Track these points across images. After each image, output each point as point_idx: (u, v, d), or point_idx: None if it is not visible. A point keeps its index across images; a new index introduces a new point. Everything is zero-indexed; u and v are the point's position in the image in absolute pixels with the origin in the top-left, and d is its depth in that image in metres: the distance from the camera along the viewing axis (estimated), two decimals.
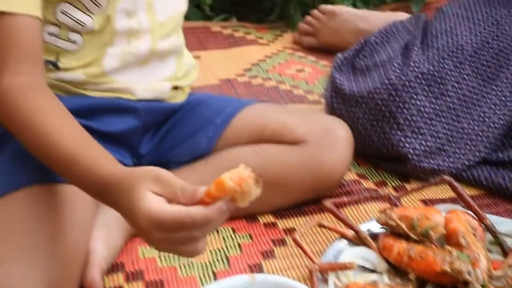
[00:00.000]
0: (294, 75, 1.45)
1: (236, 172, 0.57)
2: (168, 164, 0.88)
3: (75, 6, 0.79)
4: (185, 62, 0.96)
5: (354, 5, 1.75)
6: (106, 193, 0.63)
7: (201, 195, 0.58)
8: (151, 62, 0.89)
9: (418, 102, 1.04)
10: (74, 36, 0.82)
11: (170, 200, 0.58)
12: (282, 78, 1.43)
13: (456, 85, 1.06)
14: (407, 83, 1.05)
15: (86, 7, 0.80)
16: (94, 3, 0.80)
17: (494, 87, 1.08)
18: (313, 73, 1.46)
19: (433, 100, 1.05)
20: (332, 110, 1.12)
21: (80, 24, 0.80)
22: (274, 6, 1.74)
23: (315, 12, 1.59)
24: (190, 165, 0.93)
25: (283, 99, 1.33)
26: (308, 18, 1.60)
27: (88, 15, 0.80)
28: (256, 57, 1.54)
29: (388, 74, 1.06)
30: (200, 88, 1.23)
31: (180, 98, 0.96)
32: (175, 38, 0.92)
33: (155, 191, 0.58)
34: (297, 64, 1.51)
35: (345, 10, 1.57)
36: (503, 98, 1.07)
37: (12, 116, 0.69)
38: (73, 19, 0.80)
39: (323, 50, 1.56)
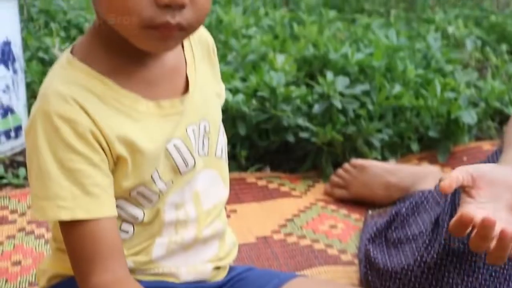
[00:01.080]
0: (328, 232, 1.46)
1: None
2: None
3: (129, 202, 0.84)
4: (227, 242, 0.98)
5: (382, 154, 1.79)
6: None
7: None
8: (195, 247, 0.91)
9: (450, 280, 1.05)
10: (127, 227, 0.85)
11: None
12: (316, 236, 1.44)
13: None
14: (439, 261, 1.06)
15: (139, 202, 0.84)
16: (146, 199, 0.84)
17: None
18: (346, 229, 1.47)
19: (465, 278, 1.05)
20: (367, 283, 1.14)
21: (133, 217, 0.84)
22: (306, 156, 1.78)
23: (346, 166, 1.64)
24: None
25: (317, 259, 1.34)
26: (340, 171, 1.64)
27: (140, 209, 0.84)
28: (290, 211, 1.56)
29: (420, 251, 1.08)
30: (238, 247, 1.25)
31: (221, 276, 0.97)
32: (218, 223, 0.94)
33: None
34: (329, 219, 1.52)
35: (374, 164, 1.61)
36: None
37: None
38: (126, 212, 0.84)
39: (354, 202, 1.59)
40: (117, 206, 0.82)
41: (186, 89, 0.85)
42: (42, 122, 0.76)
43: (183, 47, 0.87)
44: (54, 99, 0.75)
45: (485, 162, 1.27)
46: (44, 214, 0.77)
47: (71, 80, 0.78)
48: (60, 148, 0.75)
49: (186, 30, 0.76)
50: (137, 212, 0.84)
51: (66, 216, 0.76)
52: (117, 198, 0.82)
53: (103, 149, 0.77)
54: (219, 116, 0.93)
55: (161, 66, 0.83)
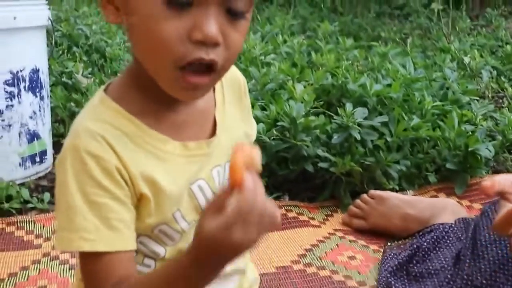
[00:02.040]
0: (346, 263, 1.45)
1: (232, 156, 0.67)
2: None
3: (151, 239, 0.84)
4: (249, 278, 0.98)
5: (400, 185, 1.79)
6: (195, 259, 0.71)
7: (228, 189, 0.67)
8: (217, 282, 0.86)
9: None
10: (149, 262, 0.85)
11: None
12: (335, 267, 1.43)
13: None
14: None
15: (161, 240, 0.84)
16: (168, 237, 0.84)
17: None
18: (364, 261, 1.46)
19: None
20: None
21: (155, 253, 0.85)
22: (325, 185, 1.79)
23: (364, 196, 1.64)
24: None
25: None
26: (358, 202, 1.65)
27: (162, 247, 0.84)
28: (309, 241, 1.55)
29: (442, 286, 1.09)
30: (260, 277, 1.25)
31: None
32: (239, 260, 0.89)
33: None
34: (348, 250, 1.51)
35: (393, 196, 1.62)
36: None
37: None
38: (148, 249, 0.84)
39: (372, 233, 1.59)
40: (140, 242, 0.83)
41: (213, 131, 0.86)
42: (71, 157, 0.77)
43: (213, 88, 0.88)
44: (83, 135, 0.77)
45: None
46: (68, 245, 0.78)
47: (101, 118, 0.79)
48: (86, 182, 0.76)
49: (217, 71, 0.76)
50: (159, 249, 0.84)
51: (88, 247, 0.77)
52: (140, 234, 0.82)
53: (127, 186, 0.78)
54: None
55: (191, 110, 0.83)
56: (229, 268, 0.88)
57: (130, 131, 0.80)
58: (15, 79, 1.78)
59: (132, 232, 0.80)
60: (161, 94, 0.79)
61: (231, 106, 0.90)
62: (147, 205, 0.80)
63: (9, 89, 1.77)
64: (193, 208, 0.83)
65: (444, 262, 1.15)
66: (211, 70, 0.76)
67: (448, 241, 1.23)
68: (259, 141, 1.73)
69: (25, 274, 1.38)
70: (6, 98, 1.77)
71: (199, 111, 0.85)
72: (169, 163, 0.81)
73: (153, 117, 0.82)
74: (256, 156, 0.70)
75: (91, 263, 0.79)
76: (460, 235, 1.23)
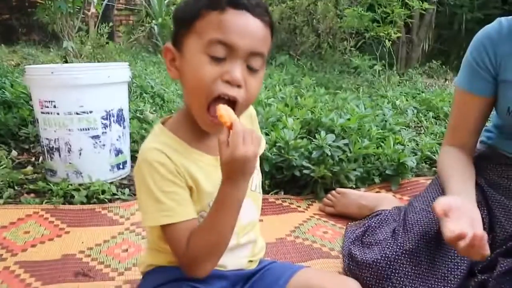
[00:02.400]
0: (322, 236, 1.45)
1: (218, 110, 0.72)
2: None
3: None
4: (258, 245, 0.97)
5: (356, 185, 1.79)
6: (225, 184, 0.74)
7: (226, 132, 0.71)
8: (236, 249, 0.89)
9: (404, 269, 1.05)
10: None
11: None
12: (314, 238, 1.43)
13: (428, 255, 1.06)
14: (396, 256, 1.07)
15: None
16: None
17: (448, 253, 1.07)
18: (333, 235, 1.46)
19: (413, 267, 1.05)
20: (349, 271, 1.14)
21: None
22: (307, 185, 1.79)
23: (332, 192, 1.64)
24: None
25: (315, 254, 1.32)
26: (328, 196, 1.65)
27: None
28: (297, 221, 1.55)
29: (384, 250, 1.09)
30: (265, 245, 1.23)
31: (253, 266, 0.95)
32: (251, 234, 0.92)
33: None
34: (322, 227, 1.51)
35: (351, 192, 1.61)
36: (456, 262, 1.05)
37: None
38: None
39: (338, 216, 1.59)
40: (201, 215, 0.81)
41: None
42: (146, 166, 0.78)
43: None
44: (151, 151, 0.78)
45: (425, 190, 1.27)
46: (154, 222, 0.78)
47: (161, 141, 0.81)
48: (158, 179, 0.77)
49: (238, 109, 0.76)
50: None
51: (169, 220, 0.77)
52: (199, 211, 0.81)
53: (183, 179, 0.79)
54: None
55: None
56: (244, 240, 0.90)
57: (180, 149, 0.80)
58: (107, 115, 1.80)
59: (193, 206, 0.79)
60: (200, 127, 0.80)
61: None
62: (193, 195, 0.81)
63: (104, 121, 1.79)
64: None
65: (385, 235, 1.15)
66: (234, 109, 0.76)
67: (388, 221, 1.23)
68: (264, 156, 1.75)
69: (114, 241, 1.39)
70: (102, 127, 1.79)
71: None
72: (205, 169, 0.82)
73: (194, 140, 0.82)
74: (232, 112, 0.73)
75: (171, 232, 0.78)
76: (395, 218, 1.22)
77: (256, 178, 0.91)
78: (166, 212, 0.77)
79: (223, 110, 0.72)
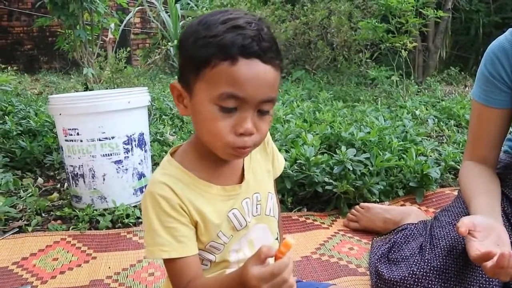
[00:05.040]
0: (348, 252, 1.44)
1: (284, 243, 0.68)
2: None
3: (205, 251, 0.81)
4: None
5: (379, 198, 1.78)
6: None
7: (275, 252, 0.67)
8: None
9: (433, 286, 1.03)
10: (206, 263, 0.83)
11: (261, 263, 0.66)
12: (340, 255, 1.42)
13: (457, 272, 1.04)
14: (424, 273, 1.05)
15: (211, 251, 0.82)
16: (216, 249, 0.82)
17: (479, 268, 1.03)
18: (360, 250, 1.44)
19: (442, 284, 1.03)
20: None
21: (208, 260, 0.82)
22: (330, 200, 1.78)
23: (357, 207, 1.64)
24: None
25: (342, 272, 1.31)
26: (352, 211, 1.64)
27: (213, 255, 0.82)
28: (321, 238, 1.54)
29: (411, 267, 1.07)
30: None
31: None
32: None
33: (253, 264, 0.66)
34: (348, 244, 1.50)
35: (375, 206, 1.60)
36: (487, 277, 1.02)
37: None
38: (204, 258, 0.82)
39: (363, 231, 1.58)
40: (199, 254, 0.81)
41: (243, 174, 0.84)
42: (150, 199, 0.77)
43: None
44: (156, 185, 0.78)
45: (451, 203, 1.26)
46: (152, 255, 0.78)
47: (168, 172, 0.80)
48: (161, 214, 0.76)
49: (254, 147, 0.77)
50: (211, 257, 0.82)
51: (165, 256, 0.77)
52: (199, 249, 0.81)
53: (187, 215, 0.78)
54: (268, 186, 0.88)
55: (226, 164, 0.82)
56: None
57: (186, 180, 0.79)
58: (129, 140, 1.83)
59: (194, 243, 0.79)
60: (210, 157, 0.79)
61: (257, 153, 0.89)
62: (199, 228, 0.79)
63: (126, 146, 1.82)
64: (230, 228, 0.81)
65: (412, 251, 1.13)
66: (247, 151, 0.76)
67: (414, 237, 1.21)
68: (285, 173, 1.75)
69: (140, 265, 1.40)
70: (124, 152, 1.82)
71: (234, 164, 0.84)
72: (213, 201, 0.80)
73: (203, 171, 0.81)
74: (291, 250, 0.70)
75: (171, 267, 0.78)
76: (421, 232, 1.21)
77: (270, 201, 0.88)
78: (163, 247, 0.76)
79: (286, 246, 0.68)
